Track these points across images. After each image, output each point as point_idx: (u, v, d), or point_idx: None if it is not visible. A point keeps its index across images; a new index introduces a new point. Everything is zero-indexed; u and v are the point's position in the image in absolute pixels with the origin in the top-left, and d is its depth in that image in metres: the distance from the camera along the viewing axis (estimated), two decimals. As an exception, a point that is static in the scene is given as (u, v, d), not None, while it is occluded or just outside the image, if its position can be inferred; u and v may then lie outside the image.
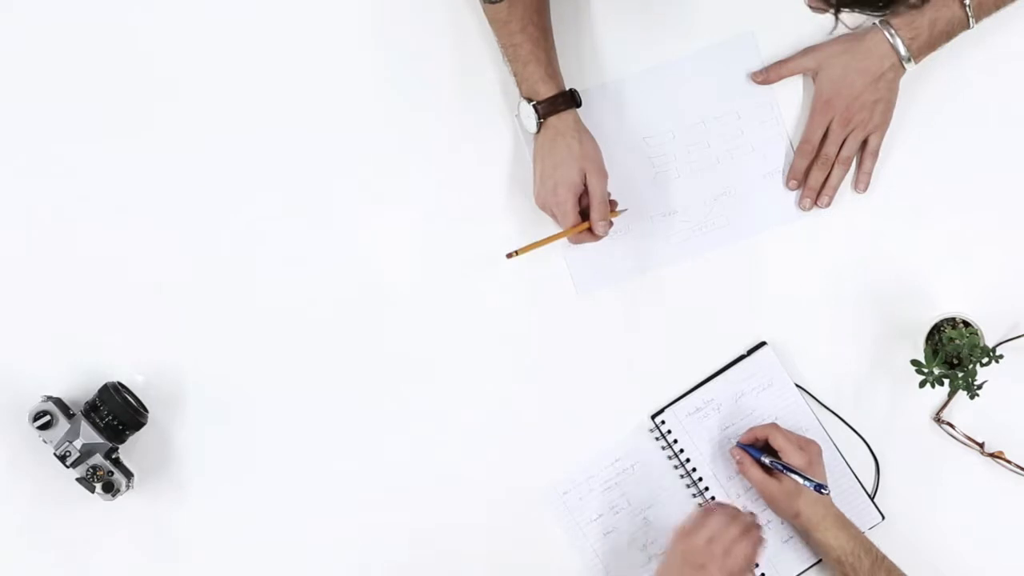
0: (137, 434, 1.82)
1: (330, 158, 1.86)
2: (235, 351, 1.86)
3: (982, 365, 1.74)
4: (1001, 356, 1.75)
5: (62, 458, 1.77)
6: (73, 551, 1.85)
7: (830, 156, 1.84)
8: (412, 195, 1.86)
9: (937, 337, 1.80)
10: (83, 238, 1.85)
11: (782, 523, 1.83)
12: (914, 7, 1.40)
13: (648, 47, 1.86)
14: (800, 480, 1.75)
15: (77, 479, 1.78)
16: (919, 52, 1.80)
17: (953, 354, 1.77)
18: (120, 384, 1.82)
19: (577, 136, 1.77)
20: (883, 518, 1.85)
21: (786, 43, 1.86)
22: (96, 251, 1.85)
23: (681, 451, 1.85)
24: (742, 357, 1.86)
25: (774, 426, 1.81)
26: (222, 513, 1.85)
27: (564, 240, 1.79)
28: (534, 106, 1.77)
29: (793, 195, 1.87)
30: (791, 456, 1.77)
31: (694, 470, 1.85)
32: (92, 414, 1.78)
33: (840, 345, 1.86)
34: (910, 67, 1.81)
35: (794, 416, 1.85)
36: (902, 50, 1.79)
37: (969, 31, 1.79)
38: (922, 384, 1.74)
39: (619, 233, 1.85)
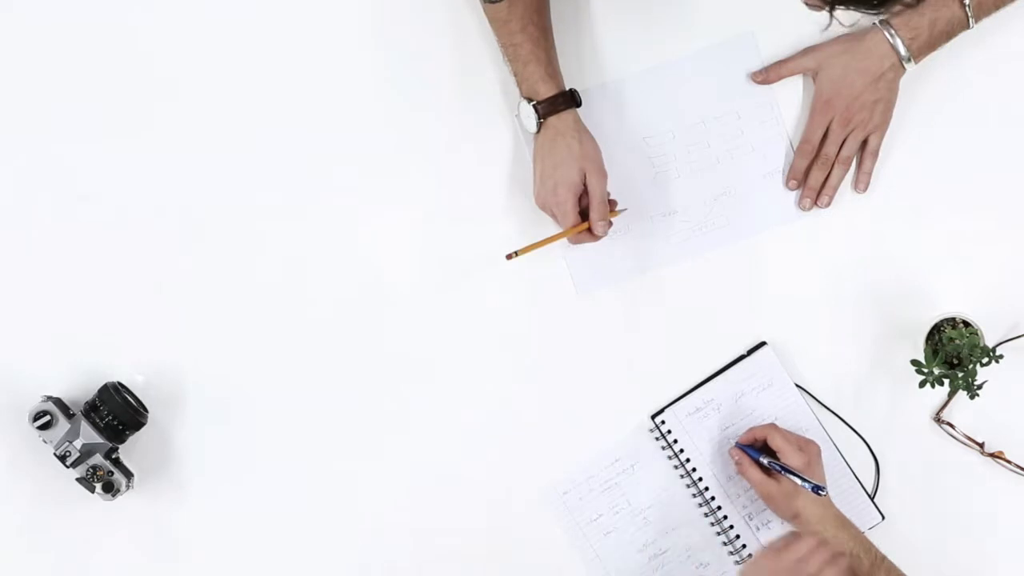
0: (137, 434, 1.82)
1: (330, 158, 1.86)
2: (235, 351, 1.86)
3: (982, 365, 1.74)
4: (1001, 356, 1.75)
5: (62, 458, 1.77)
6: (73, 551, 1.85)
7: (830, 156, 1.84)
8: (412, 195, 1.86)
9: (937, 337, 1.80)
10: (83, 238, 1.85)
11: (782, 523, 1.83)
12: (910, 6, 1.41)
13: (648, 47, 1.86)
14: (798, 481, 1.75)
15: (77, 479, 1.78)
16: (919, 52, 1.80)
17: (953, 354, 1.77)
18: (120, 384, 1.82)
19: (577, 136, 1.77)
20: (883, 518, 1.85)
21: (786, 43, 1.86)
22: (96, 251, 1.85)
23: (681, 451, 1.85)
24: (742, 357, 1.86)
25: (773, 426, 1.81)
26: (222, 513, 1.85)
27: (564, 240, 1.79)
28: (534, 106, 1.77)
29: (793, 195, 1.87)
30: (790, 457, 1.77)
31: (694, 470, 1.85)
32: (92, 414, 1.78)
33: (840, 345, 1.86)
34: (910, 67, 1.81)
35: (794, 416, 1.85)
36: (902, 50, 1.79)
37: (969, 31, 1.79)
38: (922, 384, 1.74)
39: (619, 233, 1.85)
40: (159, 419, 1.85)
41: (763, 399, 1.86)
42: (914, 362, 1.75)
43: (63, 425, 1.77)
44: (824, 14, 1.41)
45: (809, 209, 1.86)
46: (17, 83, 1.85)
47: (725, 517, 1.85)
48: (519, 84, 1.79)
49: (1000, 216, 1.87)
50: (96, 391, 1.80)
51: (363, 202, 1.86)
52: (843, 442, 1.86)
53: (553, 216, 1.80)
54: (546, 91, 1.77)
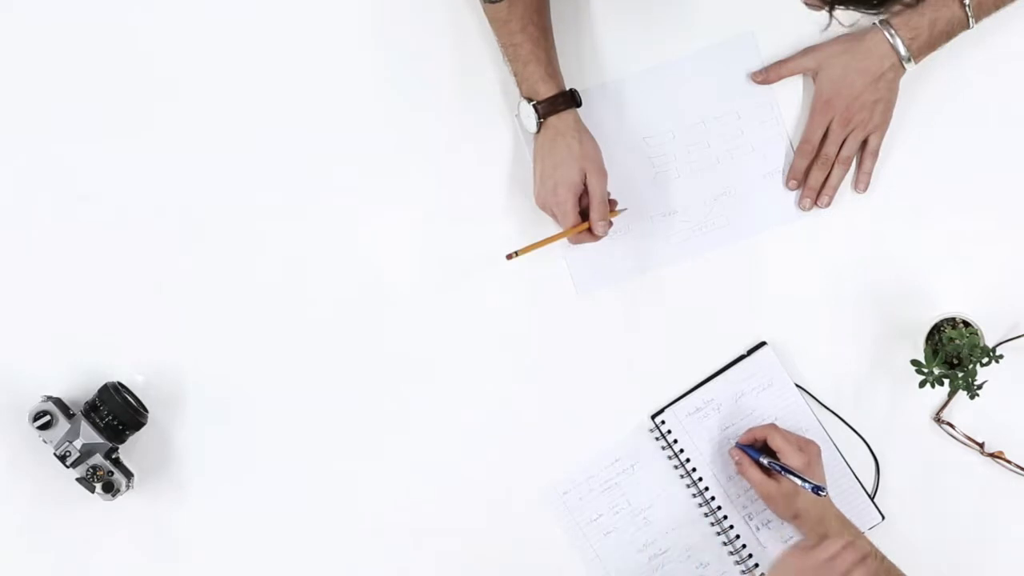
0: (137, 434, 1.82)
1: (330, 158, 1.86)
2: (235, 351, 1.86)
3: (982, 365, 1.74)
4: (1001, 356, 1.75)
5: (62, 458, 1.77)
6: (73, 551, 1.85)
7: (830, 156, 1.84)
8: (412, 195, 1.86)
9: (937, 337, 1.80)
10: (83, 238, 1.85)
11: (782, 523, 1.83)
12: (910, 6, 1.41)
13: (648, 47, 1.86)
14: (798, 481, 1.75)
15: (77, 479, 1.78)
16: (919, 52, 1.80)
17: (953, 354, 1.77)
18: (120, 384, 1.82)
19: (577, 136, 1.77)
20: (883, 518, 1.85)
21: (786, 43, 1.86)
22: (96, 251, 1.85)
23: (681, 451, 1.85)
24: (742, 357, 1.86)
25: (773, 427, 1.81)
26: (222, 513, 1.85)
27: (564, 240, 1.79)
28: (534, 106, 1.77)
29: (793, 195, 1.87)
30: (790, 457, 1.77)
31: (694, 470, 1.85)
32: (92, 414, 1.78)
33: (840, 345, 1.86)
34: (910, 67, 1.81)
35: (794, 416, 1.85)
36: (902, 50, 1.79)
37: (969, 31, 1.79)
38: (922, 384, 1.74)
39: (619, 233, 1.85)
40: (159, 419, 1.85)
41: (763, 399, 1.86)
42: (914, 362, 1.75)
43: (63, 425, 1.77)
44: (824, 14, 1.41)
45: (809, 209, 1.86)
46: (17, 83, 1.85)
47: (725, 517, 1.85)
48: (519, 84, 1.79)
49: (1000, 216, 1.87)
50: (96, 391, 1.80)
51: (363, 202, 1.86)
52: (843, 442, 1.86)
53: (553, 216, 1.80)
54: (546, 91, 1.77)
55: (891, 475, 1.86)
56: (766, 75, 1.86)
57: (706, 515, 1.86)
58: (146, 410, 1.82)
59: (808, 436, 1.82)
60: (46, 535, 1.85)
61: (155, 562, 1.86)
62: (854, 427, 1.86)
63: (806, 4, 1.42)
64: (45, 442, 1.78)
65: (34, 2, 1.85)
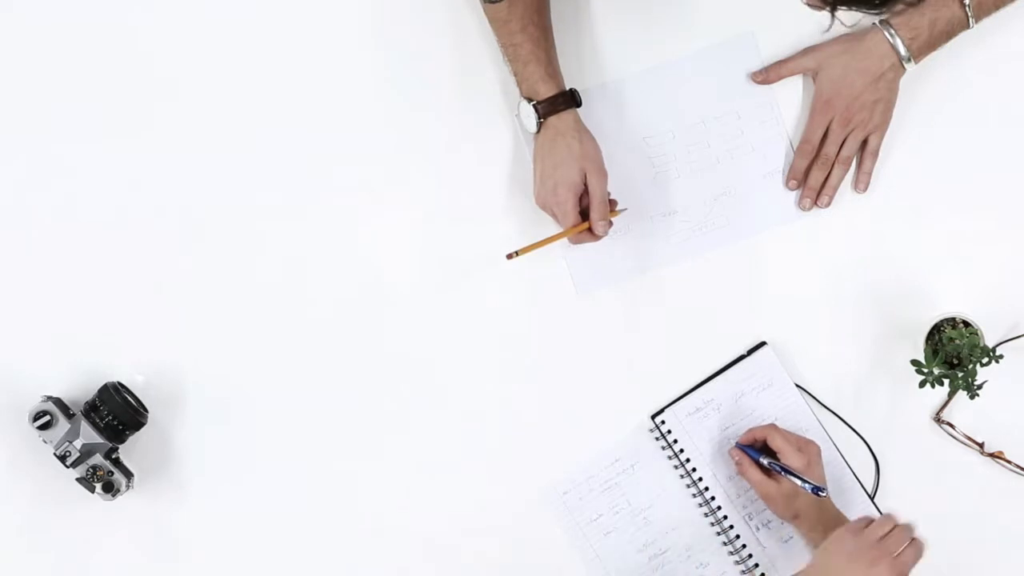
0: (137, 434, 1.82)
1: (330, 158, 1.86)
2: (235, 351, 1.86)
3: (982, 365, 1.74)
4: (1001, 356, 1.75)
5: (62, 458, 1.77)
6: (73, 551, 1.85)
7: (830, 156, 1.84)
8: (412, 195, 1.86)
9: (937, 337, 1.80)
10: (83, 238, 1.85)
11: (782, 523, 1.83)
12: (911, 5, 1.40)
13: (648, 47, 1.86)
14: (798, 482, 1.75)
15: (77, 479, 1.78)
16: (919, 52, 1.80)
17: (953, 354, 1.77)
18: (120, 384, 1.82)
19: (577, 136, 1.77)
20: (883, 518, 1.85)
21: (786, 43, 1.86)
22: (96, 251, 1.85)
23: (681, 451, 1.85)
24: (742, 357, 1.86)
25: (773, 427, 1.81)
26: (222, 513, 1.85)
27: (564, 240, 1.79)
28: (534, 106, 1.77)
29: (793, 195, 1.87)
30: (789, 457, 1.77)
31: (694, 470, 1.85)
32: (92, 414, 1.78)
33: (840, 345, 1.86)
34: (910, 67, 1.81)
35: (794, 416, 1.85)
36: (902, 50, 1.79)
37: (969, 31, 1.79)
38: (922, 384, 1.74)
39: (619, 233, 1.85)
40: (159, 419, 1.85)
41: (763, 399, 1.86)
42: (914, 362, 1.75)
43: (63, 425, 1.77)
44: (825, 15, 1.41)
45: (809, 209, 1.87)
46: (17, 83, 1.85)
47: (725, 517, 1.85)
48: (519, 84, 1.79)
49: (1000, 216, 1.87)
50: (96, 391, 1.80)
51: (363, 202, 1.86)
52: (843, 442, 1.86)
53: (553, 216, 1.79)
54: (546, 91, 1.77)
55: (891, 475, 1.86)
56: (766, 75, 1.86)
57: (706, 515, 1.86)
58: (146, 410, 1.82)
59: (808, 436, 1.82)
60: (46, 535, 1.85)
61: (155, 562, 1.86)
62: (854, 427, 1.86)
63: (808, 4, 1.42)
64: (45, 442, 1.78)
65: (34, 2, 1.85)
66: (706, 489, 1.85)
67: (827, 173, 1.85)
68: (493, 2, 1.75)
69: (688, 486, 1.86)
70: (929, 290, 1.85)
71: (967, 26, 1.79)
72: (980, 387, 1.74)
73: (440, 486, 1.86)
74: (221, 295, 1.85)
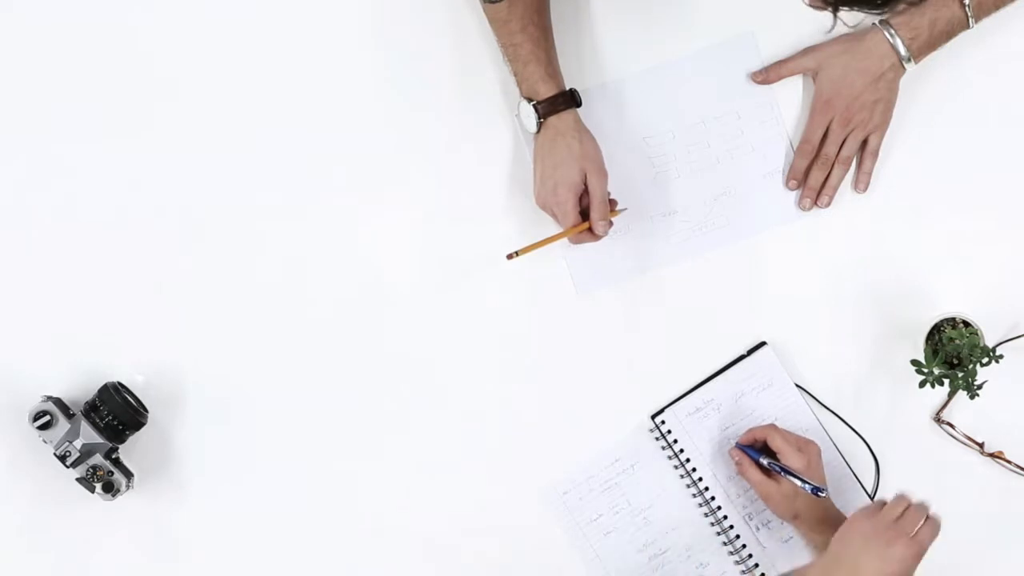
0: (137, 434, 1.82)
1: (330, 158, 1.86)
2: (235, 351, 1.86)
3: (982, 365, 1.74)
4: (1001, 356, 1.75)
5: (62, 458, 1.77)
6: (73, 551, 1.85)
7: (830, 156, 1.84)
8: (412, 195, 1.86)
9: (937, 337, 1.80)
10: (83, 238, 1.85)
11: (782, 523, 1.83)
12: (913, 5, 1.40)
13: (648, 47, 1.86)
14: (797, 482, 1.75)
15: (77, 479, 1.78)
16: (919, 52, 1.80)
17: (953, 354, 1.77)
18: (120, 384, 1.82)
19: (577, 136, 1.77)
20: (883, 518, 1.85)
21: (786, 43, 1.86)
22: (96, 251, 1.85)
23: (681, 451, 1.85)
24: (742, 357, 1.86)
25: (773, 427, 1.81)
26: (222, 513, 1.85)
27: (564, 240, 1.79)
28: (534, 106, 1.77)
29: (793, 195, 1.87)
30: (789, 458, 1.77)
31: (694, 470, 1.85)
32: (92, 414, 1.78)
33: (840, 345, 1.86)
34: (910, 67, 1.81)
35: (794, 416, 1.85)
36: (902, 50, 1.79)
37: (969, 31, 1.79)
38: (922, 384, 1.74)
39: (619, 233, 1.85)
40: (159, 419, 1.85)
41: (763, 399, 1.86)
42: (914, 362, 1.75)
43: (63, 425, 1.77)
44: (827, 16, 1.41)
45: (809, 209, 1.87)
46: (17, 83, 1.85)
47: (725, 517, 1.85)
48: (519, 84, 1.79)
49: (1000, 216, 1.87)
50: (96, 391, 1.80)
51: (363, 202, 1.86)
52: (843, 442, 1.86)
53: (553, 216, 1.79)
54: (546, 91, 1.77)
55: (891, 475, 1.86)
56: (766, 75, 1.86)
57: (706, 515, 1.86)
58: (146, 410, 1.82)
59: (808, 436, 1.82)
60: (46, 535, 1.85)
61: (155, 562, 1.86)
62: (854, 427, 1.86)
63: (810, 5, 1.42)
64: (45, 442, 1.78)
65: (34, 2, 1.85)
66: (706, 489, 1.85)
67: (827, 173, 1.85)
68: (493, 2, 1.75)
69: (688, 486, 1.86)
70: (929, 290, 1.85)
71: (967, 26, 1.79)
72: (980, 387, 1.74)
73: (440, 486, 1.86)
74: (221, 295, 1.85)
